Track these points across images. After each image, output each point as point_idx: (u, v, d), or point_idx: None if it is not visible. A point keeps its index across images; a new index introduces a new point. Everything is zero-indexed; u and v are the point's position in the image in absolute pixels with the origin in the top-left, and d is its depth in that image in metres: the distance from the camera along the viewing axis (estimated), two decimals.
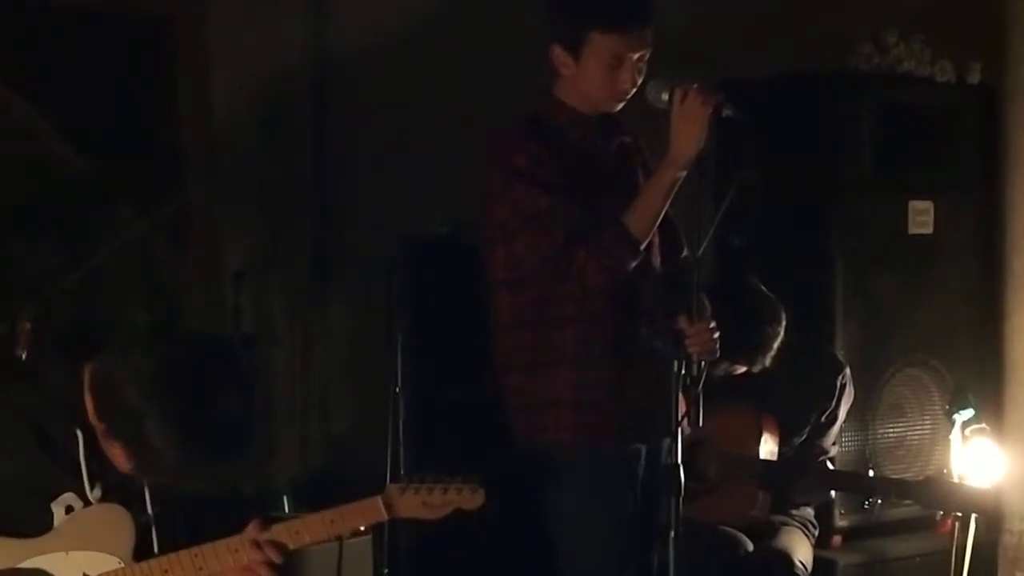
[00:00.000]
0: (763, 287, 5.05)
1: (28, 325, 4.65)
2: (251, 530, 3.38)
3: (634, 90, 4.10)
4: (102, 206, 5.46)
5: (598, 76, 4.06)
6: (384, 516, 3.46)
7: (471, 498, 3.48)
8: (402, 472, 4.71)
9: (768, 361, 5.01)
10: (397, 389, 4.81)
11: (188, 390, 3.20)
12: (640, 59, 4.06)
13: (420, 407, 5.03)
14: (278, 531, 3.39)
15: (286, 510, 5.21)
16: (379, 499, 3.45)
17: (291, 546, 3.40)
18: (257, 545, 3.35)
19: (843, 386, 5.18)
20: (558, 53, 4.10)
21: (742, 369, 5.01)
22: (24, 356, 4.62)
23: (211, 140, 5.61)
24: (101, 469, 3.32)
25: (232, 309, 5.41)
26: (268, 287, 5.66)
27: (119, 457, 3.28)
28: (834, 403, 5.16)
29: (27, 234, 5.31)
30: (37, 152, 5.44)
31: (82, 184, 5.46)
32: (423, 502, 3.46)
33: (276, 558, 3.36)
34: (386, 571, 4.84)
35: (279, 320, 5.70)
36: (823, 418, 5.14)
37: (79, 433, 3.29)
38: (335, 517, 3.45)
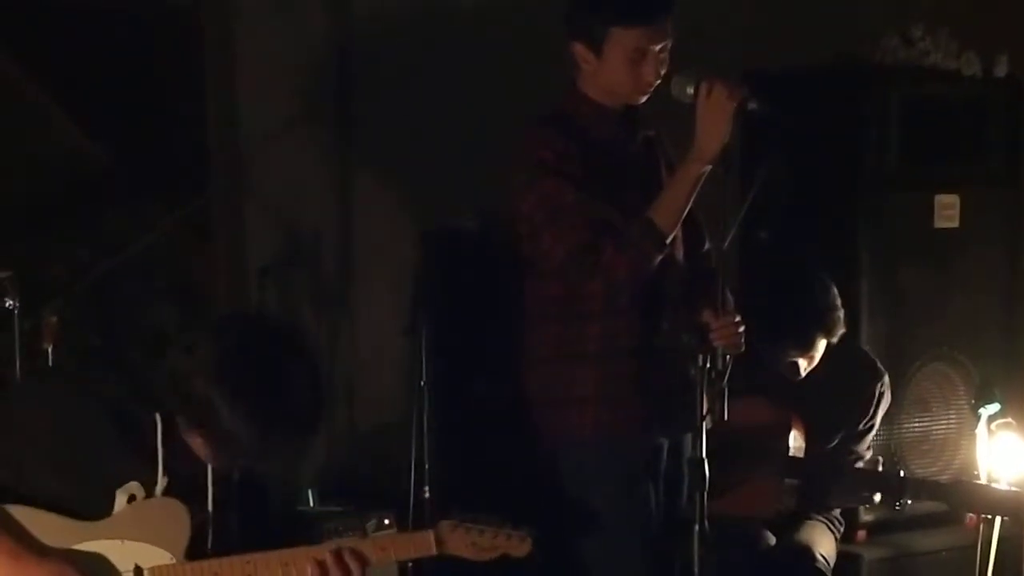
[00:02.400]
0: (820, 272, 5.04)
1: (54, 319, 4.68)
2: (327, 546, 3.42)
3: (658, 81, 4.09)
4: (128, 203, 5.48)
5: (622, 71, 4.06)
6: (434, 551, 3.50)
7: (519, 546, 3.52)
8: (427, 466, 4.72)
9: (835, 337, 4.98)
10: (422, 383, 4.81)
11: (255, 375, 3.24)
12: (662, 50, 4.06)
13: (445, 402, 5.03)
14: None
15: (312, 504, 5.22)
16: (431, 534, 3.50)
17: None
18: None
19: (881, 394, 5.17)
20: (579, 50, 4.10)
21: (805, 362, 4.98)
22: (50, 349, 4.65)
23: (236, 135, 5.62)
24: (171, 461, 3.35)
25: (257, 304, 5.42)
26: (293, 282, 5.66)
27: (200, 447, 3.33)
28: (872, 411, 5.14)
29: (53, 230, 5.34)
30: (61, 149, 5.46)
31: (107, 180, 5.48)
32: (473, 543, 3.50)
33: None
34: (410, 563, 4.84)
35: (304, 315, 5.70)
36: (860, 425, 5.13)
37: (158, 419, 3.32)
38: (386, 545, 3.51)
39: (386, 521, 4.86)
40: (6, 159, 5.31)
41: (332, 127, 5.74)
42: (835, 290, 5.02)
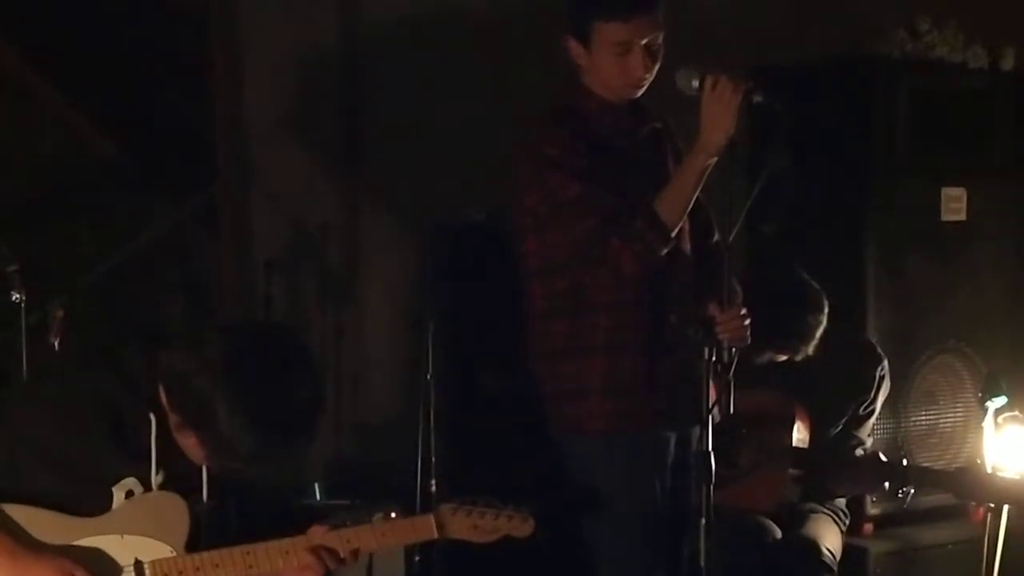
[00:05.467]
0: (805, 275, 5.04)
1: (60, 313, 4.68)
2: (314, 535, 3.42)
3: (650, 76, 4.09)
4: (134, 195, 5.49)
5: (608, 65, 4.07)
6: (435, 535, 3.51)
7: (521, 526, 3.52)
8: (433, 459, 4.72)
9: (811, 349, 5.01)
10: (428, 377, 4.81)
11: (254, 377, 3.23)
12: (650, 44, 4.05)
13: (452, 395, 5.03)
14: (330, 539, 3.43)
15: (318, 498, 5.22)
16: (431, 518, 3.51)
17: (341, 554, 3.44)
18: (317, 551, 3.39)
19: (881, 378, 5.17)
20: (572, 44, 4.11)
21: (783, 357, 5.00)
22: (56, 344, 4.65)
23: (243, 129, 5.63)
24: (167, 456, 3.35)
25: (263, 297, 5.43)
26: (299, 275, 5.67)
27: (193, 448, 3.32)
28: (872, 395, 5.14)
29: (59, 225, 5.34)
30: (68, 143, 5.47)
31: (114, 174, 5.49)
32: (474, 525, 3.51)
33: (332, 566, 3.41)
34: (417, 558, 4.85)
35: (311, 308, 5.71)
36: (861, 410, 5.13)
37: (152, 418, 3.32)
38: (387, 530, 3.50)
39: (392, 515, 4.86)
40: (13, 154, 5.33)
41: (338, 120, 5.75)
42: (826, 304, 5.01)
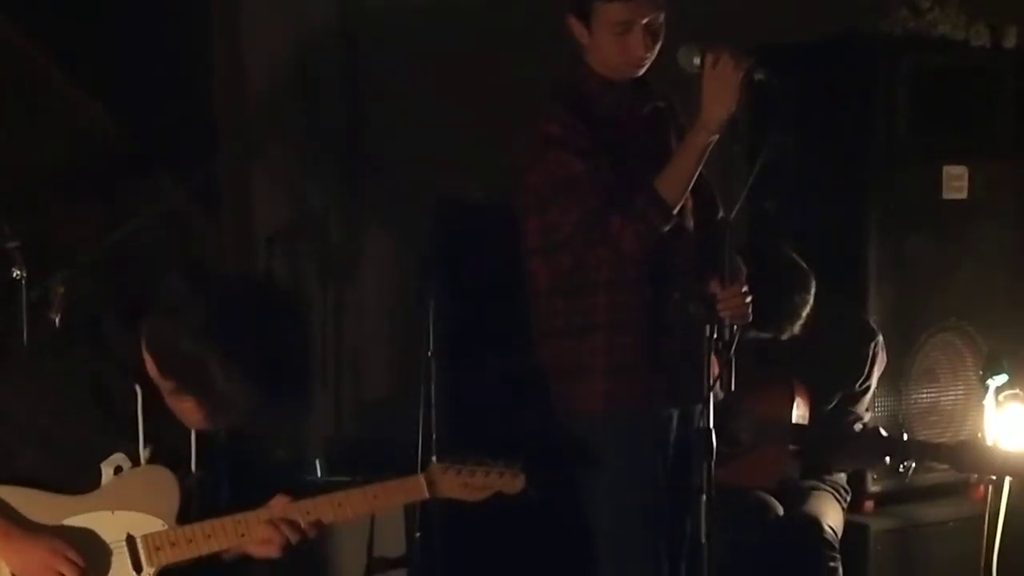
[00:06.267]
0: (794, 255, 5.04)
1: (61, 289, 4.68)
2: (276, 506, 3.42)
3: (651, 56, 4.09)
4: (136, 172, 5.49)
5: (609, 44, 4.07)
6: (426, 494, 3.52)
7: (512, 482, 3.54)
8: (434, 436, 4.72)
9: (797, 329, 5.01)
10: (429, 354, 4.81)
11: (242, 326, 3.22)
12: (650, 24, 4.05)
13: (453, 373, 5.03)
14: (320, 503, 3.43)
15: (318, 474, 5.23)
16: (421, 477, 3.52)
17: (331, 519, 3.43)
18: (274, 524, 3.39)
19: (875, 354, 5.17)
20: (574, 23, 4.11)
21: (768, 336, 5.00)
22: (57, 320, 4.65)
23: (244, 105, 5.62)
24: (154, 429, 3.35)
25: (264, 273, 5.43)
26: (300, 251, 5.66)
27: (190, 412, 3.31)
28: (867, 371, 5.15)
29: (62, 200, 5.34)
30: (69, 118, 5.46)
31: (115, 150, 5.48)
32: (465, 483, 3.52)
33: (292, 538, 3.39)
34: (418, 534, 4.86)
35: (311, 285, 5.71)
36: (856, 386, 5.13)
37: (138, 390, 3.32)
38: (378, 492, 3.50)
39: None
40: (13, 129, 5.32)
41: (340, 96, 5.74)
42: (813, 283, 5.01)
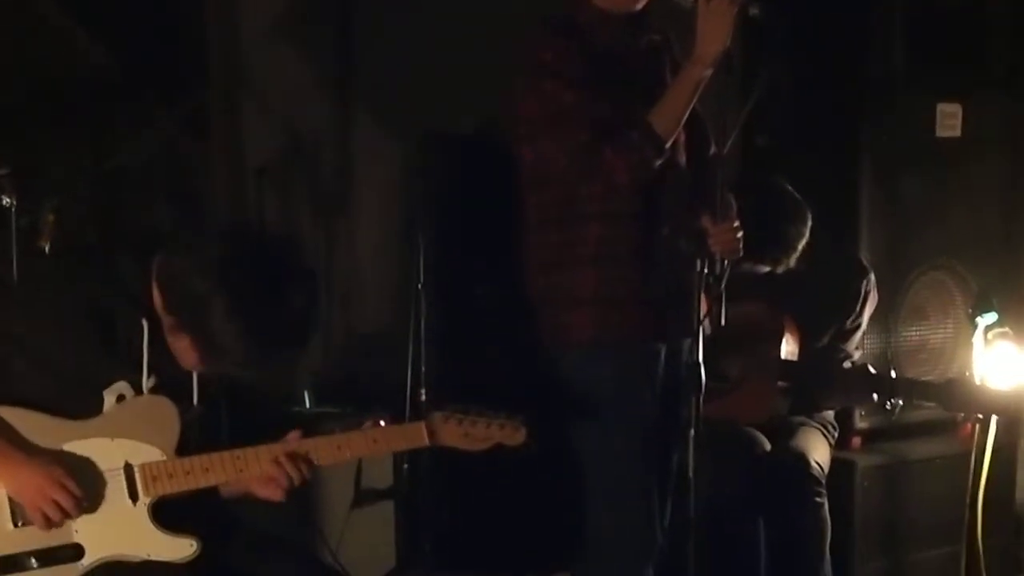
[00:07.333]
0: (789, 187, 5.03)
1: (51, 217, 4.68)
2: (291, 441, 3.42)
3: None
4: (127, 102, 5.47)
5: None
6: (426, 442, 3.52)
7: (513, 435, 3.54)
8: (423, 369, 4.73)
9: (792, 262, 5.01)
10: (420, 287, 4.81)
11: (252, 279, 3.23)
12: None
13: (443, 305, 5.03)
14: (320, 445, 3.44)
15: (307, 405, 5.24)
16: (423, 425, 3.52)
17: (329, 461, 3.44)
18: (286, 458, 3.39)
19: (867, 291, 5.17)
20: None
21: (765, 269, 5.00)
22: (47, 248, 4.65)
23: (235, 36, 5.59)
24: (158, 361, 3.36)
25: (255, 204, 5.41)
26: (291, 183, 5.65)
27: (186, 351, 3.32)
28: (858, 308, 5.15)
29: (51, 129, 5.32)
30: (61, 49, 5.44)
31: (106, 79, 5.46)
32: (465, 433, 3.52)
33: (306, 473, 3.40)
34: (406, 466, 4.88)
35: (301, 217, 5.70)
36: (847, 323, 5.14)
37: (144, 323, 3.32)
38: (378, 437, 3.51)
39: (382, 423, 4.88)
40: (5, 60, 5.29)
41: (332, 28, 5.71)
42: (809, 216, 5.01)
